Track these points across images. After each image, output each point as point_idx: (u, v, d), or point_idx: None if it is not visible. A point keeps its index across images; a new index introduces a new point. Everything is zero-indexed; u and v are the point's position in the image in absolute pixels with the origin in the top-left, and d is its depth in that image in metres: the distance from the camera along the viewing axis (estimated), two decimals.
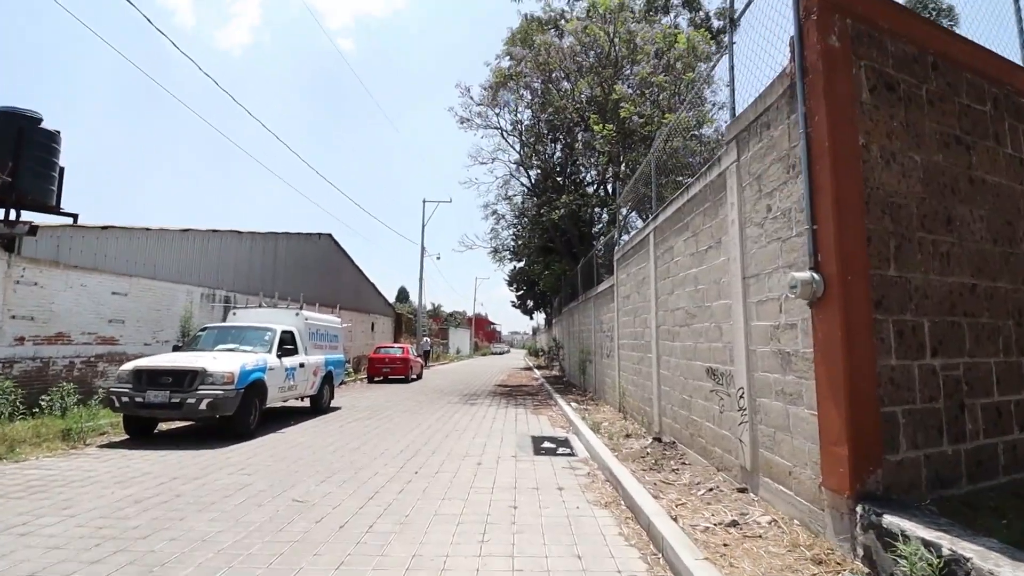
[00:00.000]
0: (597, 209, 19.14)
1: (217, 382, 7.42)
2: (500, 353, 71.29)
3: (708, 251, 5.67)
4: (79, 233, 9.67)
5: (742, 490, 4.68)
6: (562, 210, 16.50)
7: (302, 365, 9.87)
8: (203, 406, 7.22)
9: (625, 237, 11.17)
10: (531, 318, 45.89)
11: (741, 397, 4.76)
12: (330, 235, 22.14)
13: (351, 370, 19.40)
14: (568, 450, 7.38)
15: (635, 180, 10.52)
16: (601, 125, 14.45)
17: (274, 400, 8.97)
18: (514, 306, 37.68)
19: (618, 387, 10.43)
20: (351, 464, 6.22)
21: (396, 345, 21.79)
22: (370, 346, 23.67)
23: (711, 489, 4.79)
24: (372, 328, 26.01)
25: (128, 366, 7.53)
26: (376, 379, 19.45)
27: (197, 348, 8.87)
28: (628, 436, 7.88)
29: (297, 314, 10.78)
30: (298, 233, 19.09)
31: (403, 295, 67.75)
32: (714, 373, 5.48)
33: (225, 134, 27.48)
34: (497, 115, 19.71)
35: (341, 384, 13.35)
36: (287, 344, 9.50)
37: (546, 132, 19.46)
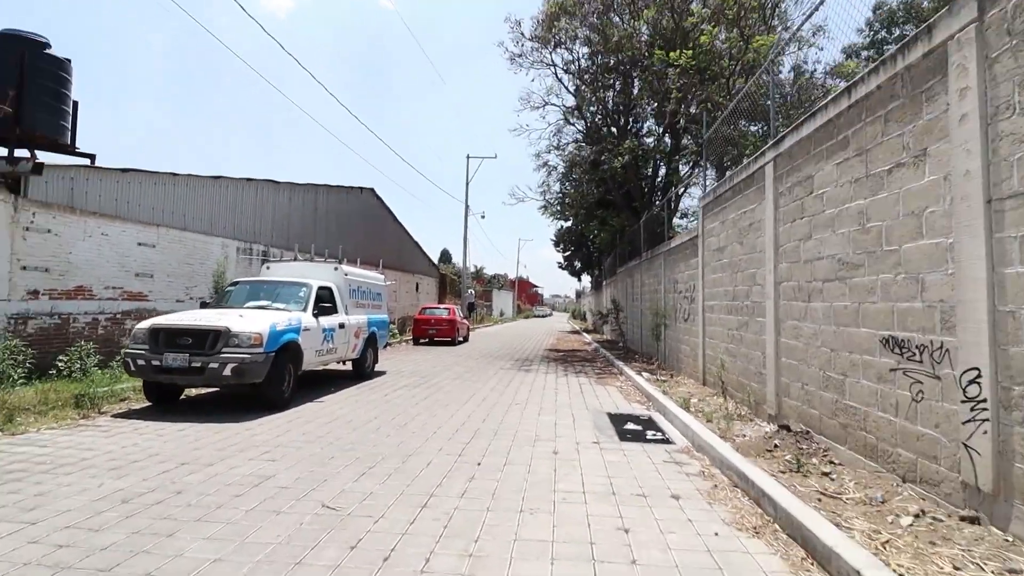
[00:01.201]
0: (658, 157, 17.13)
1: (243, 344, 6.35)
2: (543, 316, 70.37)
3: (893, 171, 3.96)
4: (96, 175, 8.67)
5: (971, 520, 3.14)
6: (626, 156, 14.60)
7: (342, 325, 8.78)
8: (227, 371, 6.18)
9: (692, 190, 9.37)
10: (579, 280, 44.19)
11: (973, 382, 3.16)
12: (372, 190, 20.96)
13: (396, 331, 18.54)
14: (659, 434, 5.98)
15: (728, 112, 8.60)
16: (678, 52, 12.32)
17: (311, 364, 7.93)
18: (561, 267, 36.10)
19: (702, 356, 8.88)
20: (398, 448, 5.02)
21: (442, 306, 20.74)
22: (415, 307, 22.78)
23: (917, 516, 3.27)
24: (416, 288, 25.10)
25: (144, 324, 6.54)
26: (422, 341, 18.54)
27: (226, 305, 7.87)
28: (731, 418, 6.38)
29: (336, 269, 9.64)
30: (339, 186, 17.96)
31: (446, 256, 67.21)
32: (900, 345, 3.87)
33: (270, 81, 26.43)
34: (551, 52, 17.60)
35: (386, 346, 12.33)
36: (324, 302, 8.38)
37: (603, 74, 17.30)
